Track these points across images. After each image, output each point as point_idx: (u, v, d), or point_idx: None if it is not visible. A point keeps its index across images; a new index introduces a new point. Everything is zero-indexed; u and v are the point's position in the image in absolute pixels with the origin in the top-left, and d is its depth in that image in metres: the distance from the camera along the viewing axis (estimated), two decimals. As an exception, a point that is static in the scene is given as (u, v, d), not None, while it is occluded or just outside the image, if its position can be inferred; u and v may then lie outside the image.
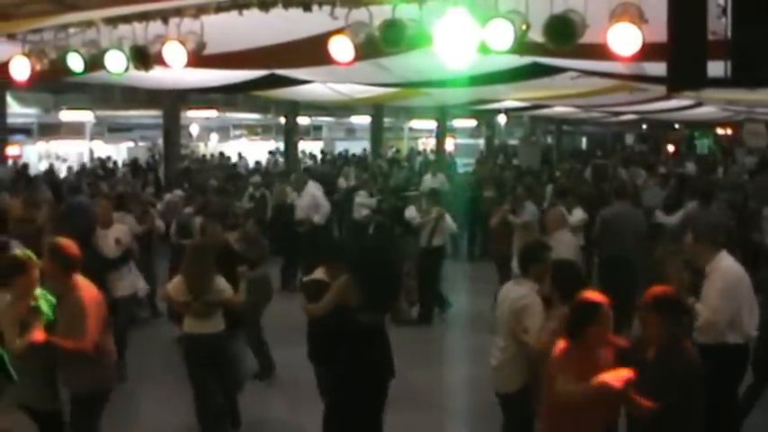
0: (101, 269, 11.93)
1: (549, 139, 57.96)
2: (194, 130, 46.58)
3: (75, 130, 40.39)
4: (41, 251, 8.47)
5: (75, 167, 35.68)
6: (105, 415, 8.56)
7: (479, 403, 11.87)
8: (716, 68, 6.95)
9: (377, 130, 40.36)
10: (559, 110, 34.83)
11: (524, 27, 8.92)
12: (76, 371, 8.18)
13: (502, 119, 47.13)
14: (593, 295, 6.90)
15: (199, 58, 11.26)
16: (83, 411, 8.33)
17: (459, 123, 51.80)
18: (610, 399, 6.36)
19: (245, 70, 16.09)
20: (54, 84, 26.05)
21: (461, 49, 9.25)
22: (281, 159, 42.34)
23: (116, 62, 11.51)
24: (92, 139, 41.87)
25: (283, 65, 15.01)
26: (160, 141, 34.33)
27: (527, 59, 12.72)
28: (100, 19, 11.03)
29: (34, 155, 39.26)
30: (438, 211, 16.87)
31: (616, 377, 6.27)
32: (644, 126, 60.55)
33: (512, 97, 25.87)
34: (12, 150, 31.10)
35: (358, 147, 49.55)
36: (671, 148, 56.22)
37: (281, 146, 42.10)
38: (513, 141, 56.55)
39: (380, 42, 9.65)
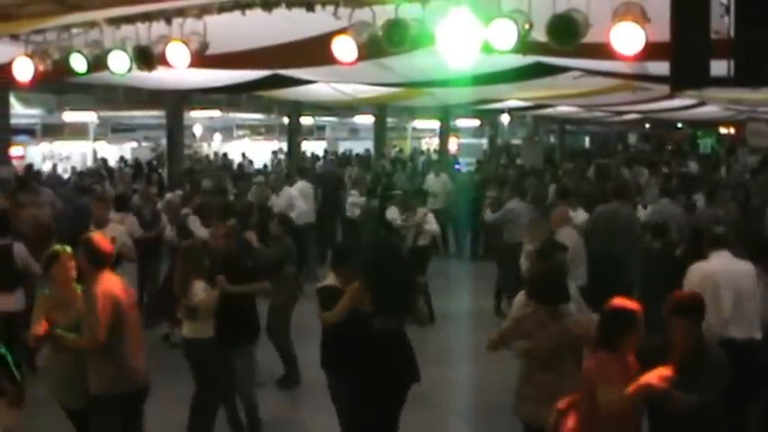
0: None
1: (552, 139, 57.88)
2: (198, 130, 46.59)
3: (79, 131, 40.38)
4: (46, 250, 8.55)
5: (79, 168, 35.72)
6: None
7: (482, 402, 11.92)
8: (719, 68, 6.96)
9: (380, 130, 40.32)
10: (562, 109, 34.84)
11: (527, 26, 8.92)
12: (93, 370, 8.22)
13: (505, 118, 47.08)
14: (626, 302, 6.81)
15: (202, 59, 11.27)
16: (97, 412, 8.29)
17: (462, 123, 51.76)
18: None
19: (248, 70, 16.09)
20: (57, 84, 25.97)
21: (464, 48, 9.26)
22: (281, 158, 42.39)
23: (119, 63, 11.51)
24: (95, 139, 41.86)
25: (286, 65, 15.01)
26: (163, 142, 34.32)
27: (530, 59, 12.72)
28: (103, 19, 11.03)
29: (38, 156, 39.24)
30: (423, 212, 16.89)
31: (659, 377, 6.27)
32: (647, 125, 60.50)
33: (515, 97, 25.86)
34: (15, 151, 31.06)
35: (361, 147, 49.49)
36: (669, 147, 56.27)
37: (285, 146, 42.07)
38: (516, 141, 56.50)
39: (383, 42, 9.65)
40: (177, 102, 28.89)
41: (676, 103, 26.87)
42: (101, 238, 8.55)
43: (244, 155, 44.32)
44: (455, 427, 11.59)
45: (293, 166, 30.71)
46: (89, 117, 37.56)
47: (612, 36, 8.38)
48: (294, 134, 37.16)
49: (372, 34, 9.87)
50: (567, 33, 8.64)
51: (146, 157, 42.78)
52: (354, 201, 21.36)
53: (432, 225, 16.98)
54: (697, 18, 6.94)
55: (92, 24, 11.29)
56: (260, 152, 46.76)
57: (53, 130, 40.11)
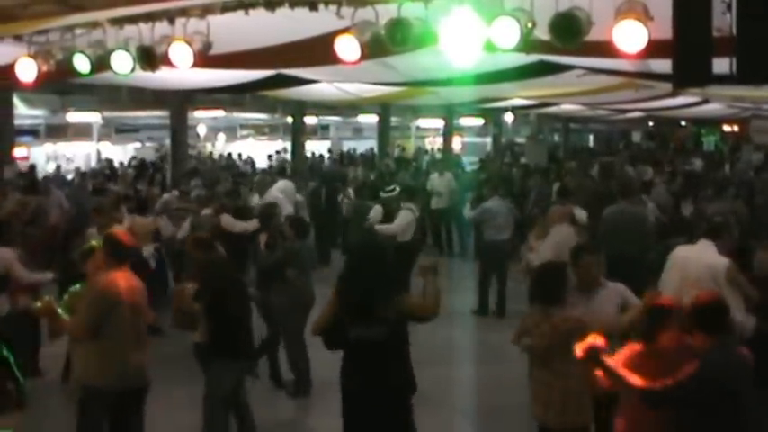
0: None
1: (556, 137, 57.90)
2: (201, 130, 46.61)
3: (83, 132, 40.40)
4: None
5: (83, 168, 35.75)
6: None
7: (486, 401, 11.92)
8: (721, 65, 6.95)
9: (384, 130, 40.34)
10: (566, 108, 34.86)
11: (530, 25, 8.92)
12: (79, 358, 8.40)
13: (509, 117, 47.08)
14: (664, 300, 7.07)
15: (205, 59, 11.28)
16: (81, 401, 8.37)
17: (466, 122, 51.78)
18: None
19: (251, 70, 16.10)
20: (61, 85, 25.98)
21: (467, 47, 9.27)
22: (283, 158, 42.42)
23: (122, 63, 11.53)
24: (99, 140, 41.87)
25: (289, 64, 15.01)
26: (167, 142, 34.35)
27: (533, 57, 12.73)
28: (106, 20, 11.05)
29: (42, 156, 39.25)
30: (408, 209, 16.94)
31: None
32: (651, 123, 60.48)
33: (518, 95, 25.89)
34: (19, 152, 31.06)
35: (365, 146, 49.54)
36: (671, 145, 56.35)
37: (289, 146, 42.07)
38: (519, 140, 56.51)
39: (386, 41, 9.66)
40: (181, 102, 28.93)
41: (680, 101, 26.90)
42: (123, 234, 8.60)
43: (240, 155, 44.35)
44: (458, 427, 11.57)
45: (298, 165, 30.78)
46: (93, 118, 37.59)
47: (615, 34, 8.39)
48: (298, 134, 37.17)
49: (375, 33, 9.87)
50: (569, 32, 8.65)
51: (150, 158, 42.74)
52: (347, 201, 21.38)
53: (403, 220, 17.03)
54: (699, 15, 6.94)
55: (95, 25, 11.31)
56: (264, 152, 46.71)
57: (57, 131, 40.07)
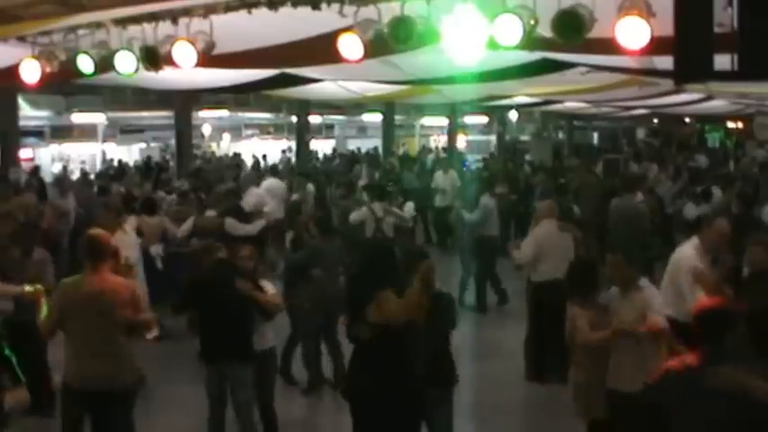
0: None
1: (561, 135, 57.88)
2: (206, 130, 46.65)
3: (88, 133, 40.44)
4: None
5: (88, 169, 35.78)
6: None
7: (492, 398, 11.92)
8: (724, 61, 6.95)
9: (388, 128, 40.36)
10: (570, 105, 34.88)
11: (532, 22, 8.94)
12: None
13: (513, 115, 47.09)
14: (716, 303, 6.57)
15: (209, 58, 11.29)
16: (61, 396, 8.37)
17: (470, 120, 51.80)
18: None
19: (255, 69, 16.11)
20: (66, 86, 26.08)
21: (470, 44, 9.28)
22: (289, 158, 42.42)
23: (126, 63, 11.54)
24: (104, 140, 41.91)
25: (293, 63, 15.01)
26: (172, 142, 34.39)
27: (536, 55, 12.76)
28: (109, 20, 11.06)
29: (47, 157, 39.30)
30: (382, 207, 17.02)
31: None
32: (655, 120, 60.43)
33: (522, 93, 25.88)
34: (24, 153, 31.13)
35: (370, 145, 49.56)
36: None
37: (294, 145, 42.09)
38: (524, 137, 56.54)
39: (389, 39, 9.68)
40: (185, 102, 28.99)
41: (684, 97, 26.92)
42: (101, 234, 8.55)
43: (236, 154, 44.28)
44: (461, 428, 11.55)
45: (303, 164, 30.80)
46: (98, 118, 37.67)
47: (618, 31, 8.41)
48: (302, 133, 37.17)
49: (378, 32, 9.89)
50: (572, 28, 8.66)
51: (155, 158, 42.76)
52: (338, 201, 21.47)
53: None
54: (700, 10, 6.93)
55: (98, 25, 11.33)
56: (269, 151, 46.72)
57: (62, 132, 40.11)
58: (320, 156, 45.35)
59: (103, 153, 42.01)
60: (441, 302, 8.28)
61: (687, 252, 9.90)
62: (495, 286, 17.32)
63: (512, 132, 55.19)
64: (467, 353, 13.79)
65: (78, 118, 36.51)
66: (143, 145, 46.46)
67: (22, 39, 11.94)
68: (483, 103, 33.61)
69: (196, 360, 10.35)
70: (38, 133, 38.39)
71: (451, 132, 45.35)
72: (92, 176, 30.28)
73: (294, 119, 39.42)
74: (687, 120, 58.38)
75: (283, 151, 47.09)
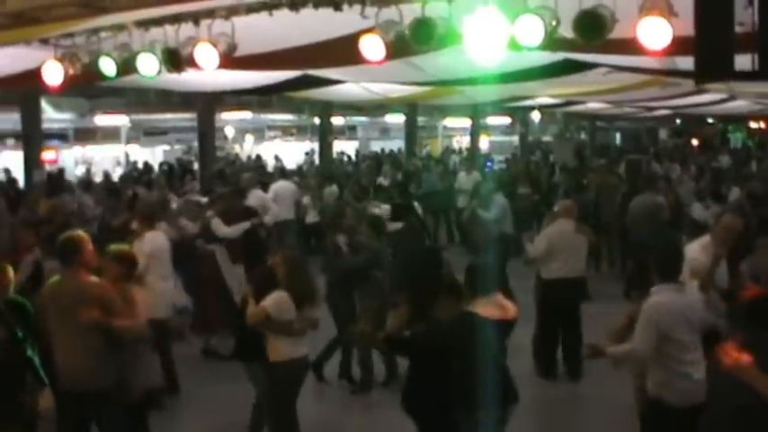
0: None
1: (583, 135, 57.79)
2: (229, 131, 46.74)
3: (111, 135, 40.58)
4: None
5: (111, 171, 35.89)
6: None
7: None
8: (745, 61, 6.93)
9: (411, 129, 40.33)
10: (592, 106, 34.80)
11: (554, 23, 8.93)
12: None
13: (535, 116, 47.03)
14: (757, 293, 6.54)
15: (230, 60, 11.31)
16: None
17: (493, 121, 51.77)
18: None
19: (277, 71, 16.13)
20: (89, 89, 26.16)
21: (491, 45, 9.27)
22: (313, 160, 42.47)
23: (148, 65, 11.55)
24: (127, 143, 42.06)
25: (314, 65, 15.03)
26: (195, 144, 34.45)
27: (558, 56, 12.75)
28: (131, 22, 11.10)
29: (70, 160, 39.45)
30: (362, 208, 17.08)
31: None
32: (678, 121, 60.24)
33: (544, 94, 25.88)
34: (48, 155, 31.22)
35: (393, 146, 49.56)
36: (695, 142, 56.15)
37: (317, 146, 42.11)
38: (546, 138, 56.49)
39: (411, 41, 9.69)
40: (208, 104, 29.01)
41: (706, 98, 26.84)
42: (74, 235, 8.56)
43: (259, 156, 44.40)
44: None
45: (327, 166, 30.81)
46: (121, 120, 37.83)
47: (639, 31, 8.39)
48: (325, 134, 37.17)
49: (400, 33, 9.90)
50: (593, 29, 8.65)
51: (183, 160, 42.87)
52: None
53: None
54: (721, 9, 6.91)
55: (120, 27, 11.36)
56: (292, 153, 46.80)
57: (85, 134, 40.27)
58: (347, 158, 45.45)
59: (126, 155, 42.14)
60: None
61: (693, 246, 9.89)
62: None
63: (534, 133, 55.14)
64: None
65: (101, 120, 36.67)
66: (166, 147, 46.59)
67: (44, 41, 11.96)
68: (505, 103, 33.60)
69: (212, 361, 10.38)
70: (61, 136, 38.54)
71: (474, 133, 45.30)
72: (115, 178, 30.29)
73: (317, 120, 39.40)
74: (710, 120, 58.19)
75: (307, 153, 47.15)
